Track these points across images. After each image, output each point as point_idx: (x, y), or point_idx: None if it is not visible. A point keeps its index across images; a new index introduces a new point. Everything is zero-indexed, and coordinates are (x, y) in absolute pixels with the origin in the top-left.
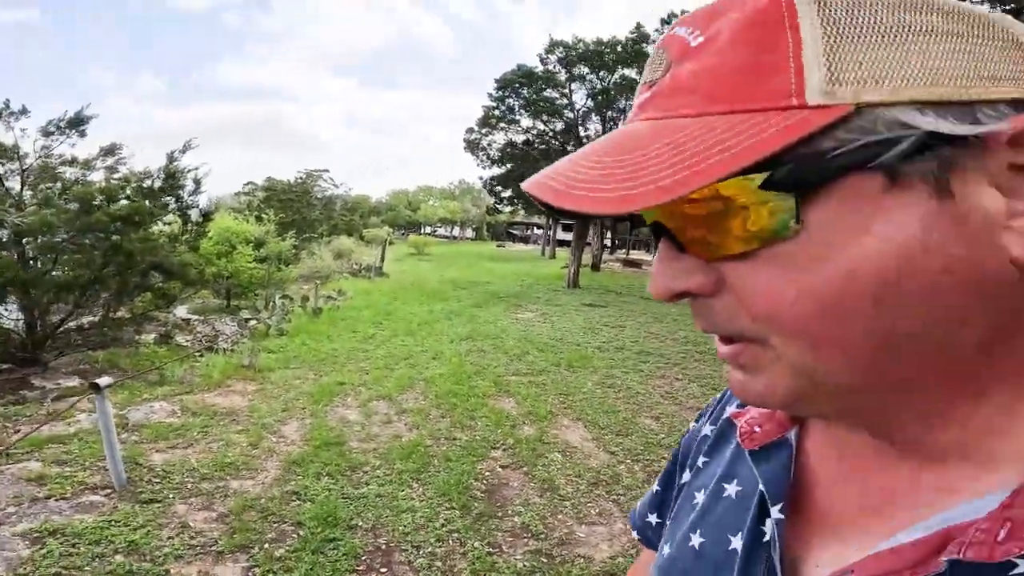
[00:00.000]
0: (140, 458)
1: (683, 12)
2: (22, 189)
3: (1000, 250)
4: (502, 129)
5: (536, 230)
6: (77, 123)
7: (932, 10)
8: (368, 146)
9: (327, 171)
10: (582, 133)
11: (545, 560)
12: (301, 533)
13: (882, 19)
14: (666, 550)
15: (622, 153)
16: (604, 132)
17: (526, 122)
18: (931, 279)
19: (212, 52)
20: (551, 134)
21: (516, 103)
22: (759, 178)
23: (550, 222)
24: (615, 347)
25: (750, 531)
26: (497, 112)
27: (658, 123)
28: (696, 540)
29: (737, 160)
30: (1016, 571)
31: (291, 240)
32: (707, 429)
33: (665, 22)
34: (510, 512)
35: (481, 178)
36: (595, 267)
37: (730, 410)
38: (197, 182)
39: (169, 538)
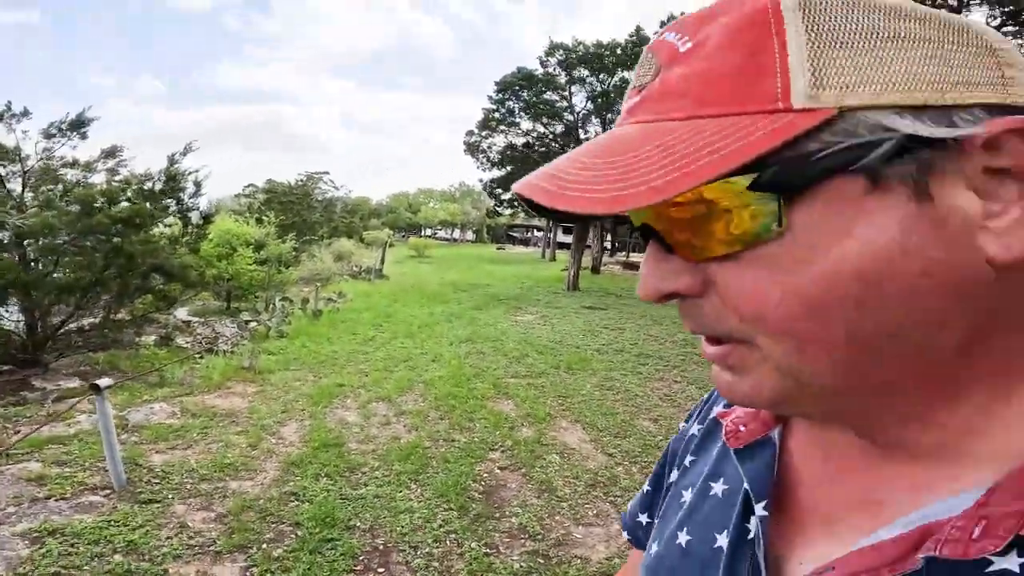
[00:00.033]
0: (140, 459)
1: (683, 14)
2: (23, 191)
3: (977, 251)
4: (502, 132)
5: (536, 232)
6: (78, 125)
7: (910, 17)
8: (368, 147)
9: (327, 173)
10: (582, 136)
11: (542, 561)
12: (299, 533)
13: (863, 26)
14: (654, 548)
15: (613, 155)
16: None
17: (526, 124)
18: (911, 281)
19: (212, 54)
20: (551, 137)
21: (516, 105)
22: (747, 180)
23: (550, 224)
24: (614, 349)
25: (735, 529)
26: (497, 115)
27: (648, 126)
28: (683, 538)
29: (726, 162)
30: (991, 569)
31: (291, 242)
32: (695, 429)
33: (664, 24)
34: (508, 513)
35: (481, 180)
36: (595, 270)
37: (717, 410)
38: (197, 184)
39: (168, 538)
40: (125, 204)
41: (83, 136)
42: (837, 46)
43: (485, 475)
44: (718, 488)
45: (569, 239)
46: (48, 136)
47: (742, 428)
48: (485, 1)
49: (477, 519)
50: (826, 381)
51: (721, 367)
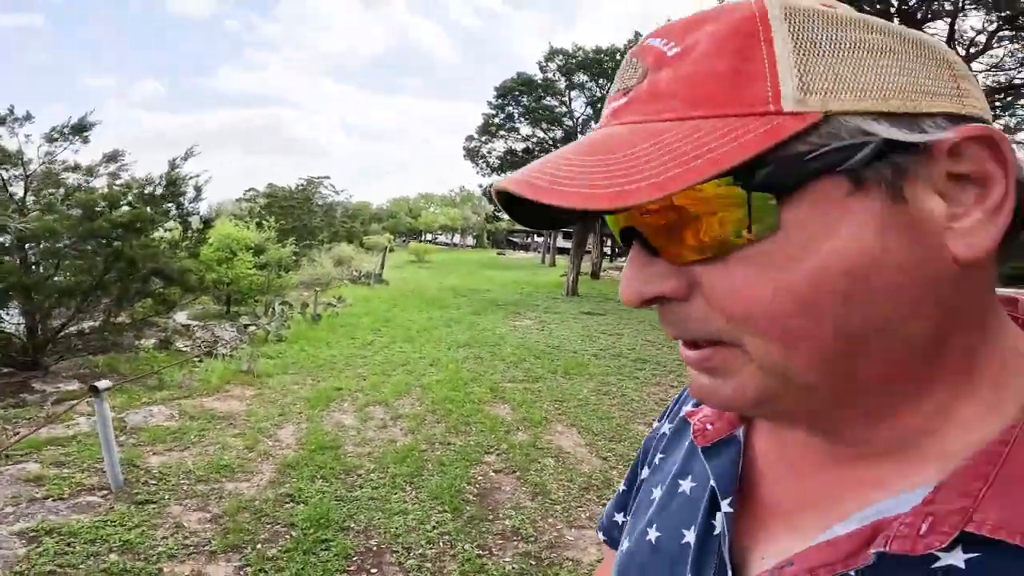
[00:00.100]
0: (137, 460)
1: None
2: (25, 194)
3: (944, 250)
4: (502, 137)
5: (536, 238)
6: (80, 129)
7: (879, 30)
8: (368, 151)
9: (328, 178)
10: None
11: (534, 563)
12: (294, 534)
13: (842, 36)
14: (625, 544)
15: (605, 153)
16: None
17: (526, 130)
18: (890, 278)
19: (213, 57)
20: (551, 142)
21: (516, 111)
22: (742, 179)
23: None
24: (612, 354)
25: (702, 525)
26: (497, 120)
27: (639, 126)
28: (653, 535)
29: (725, 160)
30: (938, 564)
31: (291, 247)
32: (665, 427)
33: None
34: (501, 516)
35: (481, 186)
36: (595, 275)
37: (686, 409)
38: (198, 189)
39: (163, 538)
40: (126, 208)
41: (85, 140)
42: (819, 54)
43: (480, 478)
44: (686, 485)
45: (569, 244)
46: (50, 140)
47: (709, 427)
48: (485, 6)
49: (471, 521)
50: (811, 379)
51: (701, 371)
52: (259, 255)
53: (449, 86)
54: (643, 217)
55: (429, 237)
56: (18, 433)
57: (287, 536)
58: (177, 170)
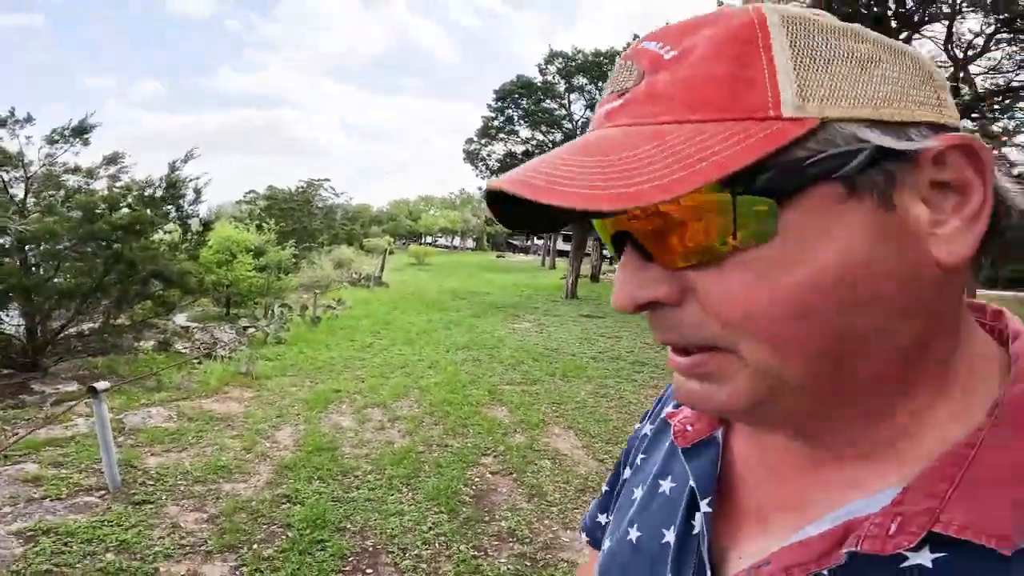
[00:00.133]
0: (135, 461)
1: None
2: (26, 196)
3: (928, 255)
4: (501, 140)
5: (536, 241)
6: (81, 132)
7: (868, 40)
8: (368, 152)
9: (328, 180)
10: None
11: (529, 564)
12: (290, 535)
13: (836, 45)
14: (607, 544)
15: (603, 154)
16: None
17: (525, 133)
18: (881, 284)
19: (213, 58)
20: (551, 145)
21: (515, 113)
22: (744, 183)
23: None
24: (610, 357)
25: (681, 524)
26: (496, 122)
27: (636, 129)
28: (634, 534)
29: (730, 162)
30: (906, 564)
31: (291, 249)
32: (647, 428)
33: None
34: (497, 517)
35: (481, 188)
36: (594, 278)
37: (666, 410)
38: (197, 192)
39: (160, 538)
40: (126, 210)
41: (85, 142)
42: (815, 62)
43: (476, 480)
44: (666, 486)
45: (569, 247)
46: (51, 142)
47: (689, 428)
48: (485, 6)
49: (467, 522)
50: (803, 382)
51: (691, 377)
52: (259, 257)
53: (449, 86)
54: (631, 223)
55: (429, 240)
56: (17, 434)
57: (283, 536)
58: (177, 172)
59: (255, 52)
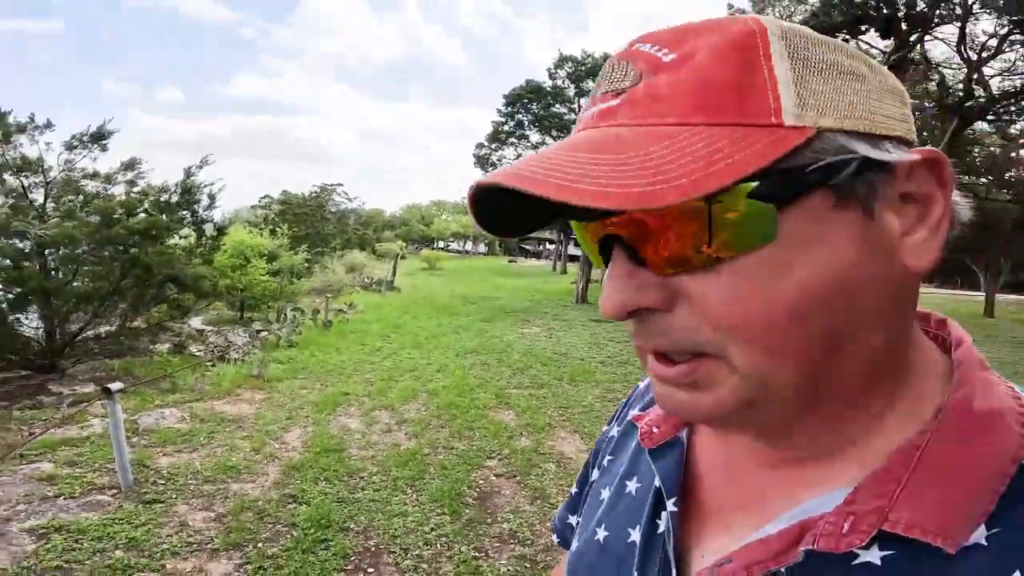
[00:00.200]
0: (147, 461)
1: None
2: (45, 201)
3: (900, 262)
4: (512, 144)
5: (548, 245)
6: (99, 137)
7: (853, 55)
8: (381, 158)
9: (341, 185)
10: None
11: (529, 566)
12: (294, 534)
13: (828, 58)
14: (575, 544)
15: (613, 152)
16: None
17: (535, 137)
18: (864, 289)
19: (229, 64)
20: None
21: (525, 118)
22: (749, 187)
23: (562, 237)
24: (619, 362)
25: (647, 524)
26: (506, 127)
27: (644, 129)
28: (601, 534)
29: (743, 166)
30: (857, 561)
31: (304, 254)
32: (614, 430)
33: None
34: (499, 519)
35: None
36: None
37: (632, 412)
38: (212, 197)
39: (168, 536)
40: (142, 216)
41: (104, 148)
42: (810, 73)
43: (480, 482)
44: (632, 486)
45: (579, 252)
46: (70, 148)
47: (655, 430)
48: (497, 13)
49: (469, 524)
50: (788, 387)
51: (680, 387)
52: (272, 262)
53: (461, 93)
54: (623, 227)
55: (441, 244)
56: (33, 434)
57: (288, 535)
58: (192, 178)
59: (270, 58)
